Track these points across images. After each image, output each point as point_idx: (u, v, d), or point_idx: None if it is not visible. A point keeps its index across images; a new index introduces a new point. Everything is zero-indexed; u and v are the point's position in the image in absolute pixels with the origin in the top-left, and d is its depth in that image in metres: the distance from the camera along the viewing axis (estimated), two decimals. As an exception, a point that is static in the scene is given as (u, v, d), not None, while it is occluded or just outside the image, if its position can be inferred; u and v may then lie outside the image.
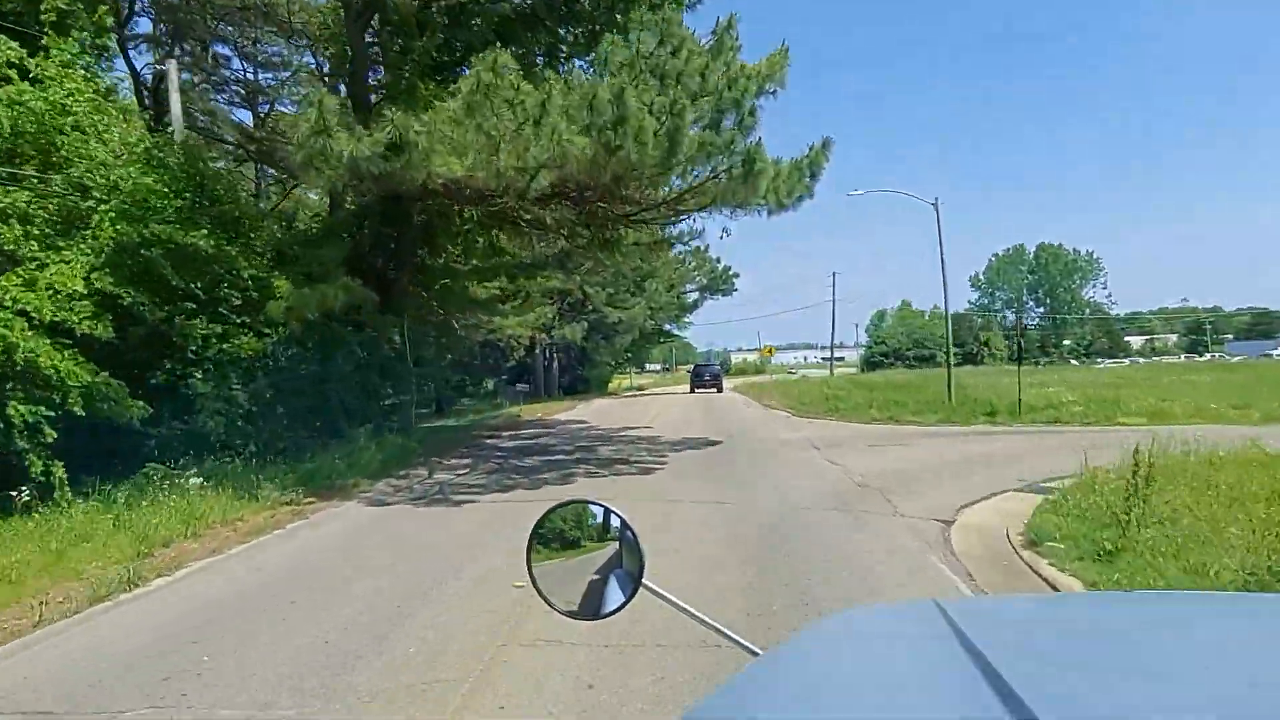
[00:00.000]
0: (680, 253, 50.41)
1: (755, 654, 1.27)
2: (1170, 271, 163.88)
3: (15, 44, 9.58)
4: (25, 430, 8.14)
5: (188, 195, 11.36)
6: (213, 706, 3.82)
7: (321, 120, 9.65)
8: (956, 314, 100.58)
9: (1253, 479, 7.23)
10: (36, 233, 9.12)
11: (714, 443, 16.02)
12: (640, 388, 58.69)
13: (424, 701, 3.81)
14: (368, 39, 14.36)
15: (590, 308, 38.93)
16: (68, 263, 9.04)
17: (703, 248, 49.28)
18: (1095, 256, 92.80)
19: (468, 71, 11.66)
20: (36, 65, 9.54)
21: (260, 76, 20.40)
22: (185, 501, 8.50)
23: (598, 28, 13.12)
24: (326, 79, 17.05)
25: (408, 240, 15.27)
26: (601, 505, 1.51)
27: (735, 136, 11.63)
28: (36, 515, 7.93)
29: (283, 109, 20.59)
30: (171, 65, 14.48)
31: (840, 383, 33.32)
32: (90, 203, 9.83)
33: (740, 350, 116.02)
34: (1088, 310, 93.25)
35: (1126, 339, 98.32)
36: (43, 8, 10.50)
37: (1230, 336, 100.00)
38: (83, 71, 10.22)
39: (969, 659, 0.89)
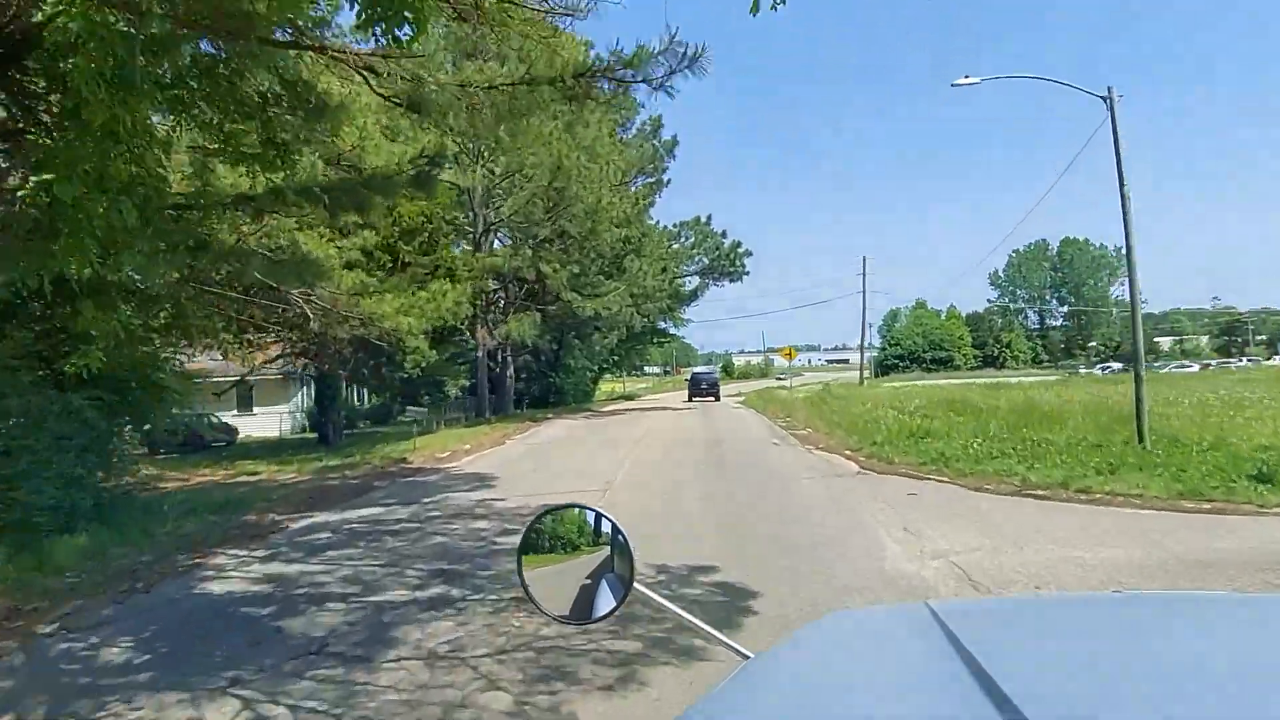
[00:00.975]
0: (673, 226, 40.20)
1: (747, 657, 1.26)
2: (1192, 270, 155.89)
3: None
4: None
5: None
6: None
7: None
8: (974, 314, 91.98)
9: None
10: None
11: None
12: (631, 396, 50.85)
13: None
14: None
15: (550, 296, 29.10)
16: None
17: (703, 219, 39.31)
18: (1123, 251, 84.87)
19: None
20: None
21: None
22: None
23: None
24: None
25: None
26: (593, 510, 1.54)
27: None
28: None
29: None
30: None
31: (910, 397, 23.44)
32: None
33: (743, 352, 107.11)
34: (1114, 310, 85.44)
35: (1154, 339, 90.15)
36: None
37: (1264, 339, 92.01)
38: None
39: (960, 661, 0.90)
